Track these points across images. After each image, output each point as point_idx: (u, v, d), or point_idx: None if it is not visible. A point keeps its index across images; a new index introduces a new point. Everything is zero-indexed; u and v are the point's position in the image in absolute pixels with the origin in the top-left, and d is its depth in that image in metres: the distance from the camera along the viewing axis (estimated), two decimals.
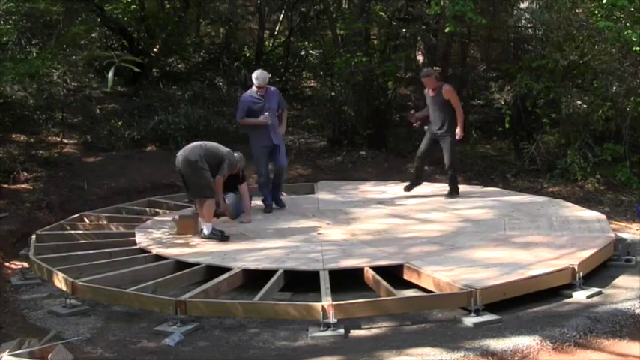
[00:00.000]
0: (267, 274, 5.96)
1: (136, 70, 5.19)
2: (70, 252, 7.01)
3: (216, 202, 7.45)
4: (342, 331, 5.14)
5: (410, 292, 5.86)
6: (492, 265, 5.96)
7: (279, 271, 5.98)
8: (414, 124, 9.11)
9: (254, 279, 6.06)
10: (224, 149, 7.56)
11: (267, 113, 8.04)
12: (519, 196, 8.88)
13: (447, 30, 9.83)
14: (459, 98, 9.07)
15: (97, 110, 12.18)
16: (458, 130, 8.61)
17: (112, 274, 6.22)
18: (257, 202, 8.45)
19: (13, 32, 9.79)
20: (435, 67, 9.38)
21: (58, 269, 6.19)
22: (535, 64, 10.36)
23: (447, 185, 9.06)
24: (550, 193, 9.60)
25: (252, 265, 6.26)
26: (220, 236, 7.17)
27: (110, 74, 4.10)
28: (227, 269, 6.13)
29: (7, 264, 7.35)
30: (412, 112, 9.24)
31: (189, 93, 12.77)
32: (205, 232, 7.19)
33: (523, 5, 12.09)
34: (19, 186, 9.61)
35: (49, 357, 4.62)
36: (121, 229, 7.87)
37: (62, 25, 10.69)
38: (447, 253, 6.44)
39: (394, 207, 8.45)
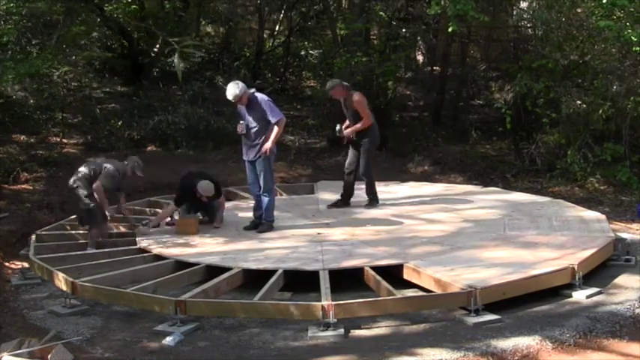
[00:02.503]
0: (267, 274, 5.96)
1: (200, 53, 5.01)
2: (70, 252, 7.00)
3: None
4: (342, 331, 5.13)
5: (410, 292, 5.86)
6: (492, 265, 5.96)
7: (279, 271, 5.98)
8: (343, 138, 8.36)
9: (254, 279, 6.06)
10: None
11: (242, 122, 7.46)
12: (519, 196, 8.88)
13: (449, 29, 9.82)
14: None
15: (97, 110, 12.18)
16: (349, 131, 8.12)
17: (112, 274, 6.21)
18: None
19: (14, 32, 9.79)
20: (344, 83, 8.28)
21: (58, 269, 6.19)
22: (535, 64, 10.36)
23: (448, 185, 9.04)
24: (550, 193, 9.60)
25: (252, 265, 6.26)
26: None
27: (176, 60, 4.04)
28: (227, 269, 6.12)
29: (7, 264, 7.35)
30: (338, 127, 8.36)
31: (190, 93, 12.78)
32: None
33: (523, 5, 12.10)
34: (19, 186, 9.61)
35: (48, 357, 4.62)
36: (121, 229, 7.87)
37: (62, 25, 10.69)
38: (447, 253, 6.44)
39: (394, 207, 8.44)
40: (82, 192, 7.26)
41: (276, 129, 7.36)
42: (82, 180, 7.32)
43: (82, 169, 7.44)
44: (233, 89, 7.31)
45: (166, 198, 9.07)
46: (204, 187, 7.51)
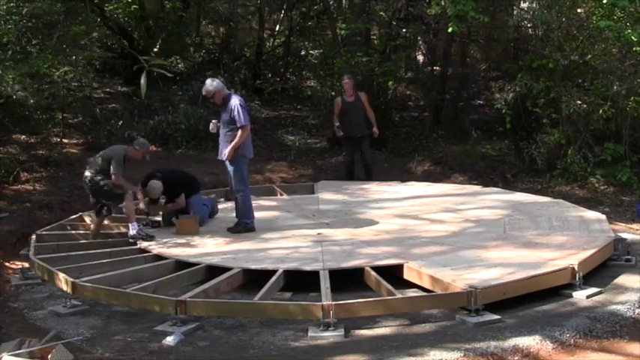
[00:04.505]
0: (267, 274, 5.96)
1: (169, 75, 5.09)
2: (70, 252, 7.00)
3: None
4: (342, 331, 5.13)
5: (410, 292, 5.86)
6: (492, 265, 5.96)
7: (279, 271, 5.98)
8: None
9: (254, 279, 6.06)
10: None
11: (214, 121, 7.64)
12: (520, 196, 8.88)
13: (449, 30, 9.83)
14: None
15: (97, 110, 12.18)
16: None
17: (112, 274, 6.21)
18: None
19: (14, 32, 9.79)
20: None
21: (58, 269, 6.18)
22: (535, 64, 10.36)
23: (448, 185, 9.02)
24: (550, 193, 9.60)
25: (252, 265, 6.26)
26: (145, 236, 7.24)
27: (142, 80, 4.02)
28: (227, 269, 6.12)
29: (7, 264, 7.35)
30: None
31: (190, 93, 12.78)
32: (131, 232, 7.26)
33: (523, 5, 12.10)
34: (19, 186, 9.61)
35: (48, 357, 4.61)
36: (122, 229, 7.86)
37: (62, 25, 10.70)
38: (447, 253, 6.44)
39: (395, 207, 8.45)
40: (97, 177, 7.35)
41: (238, 134, 7.36)
42: (94, 170, 7.40)
43: (94, 162, 7.49)
44: (207, 85, 7.45)
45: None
46: (150, 186, 7.62)
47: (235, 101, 7.42)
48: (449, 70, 13.48)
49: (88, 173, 7.46)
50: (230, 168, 7.49)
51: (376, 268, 5.99)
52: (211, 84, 7.45)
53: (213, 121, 7.64)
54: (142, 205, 7.70)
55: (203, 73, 13.91)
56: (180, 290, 5.92)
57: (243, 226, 7.51)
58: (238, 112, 7.35)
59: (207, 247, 6.99)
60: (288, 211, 8.45)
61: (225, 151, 7.44)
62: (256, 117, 12.64)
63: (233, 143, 7.37)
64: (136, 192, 7.63)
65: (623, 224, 8.14)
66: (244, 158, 7.56)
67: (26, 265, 6.97)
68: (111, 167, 7.33)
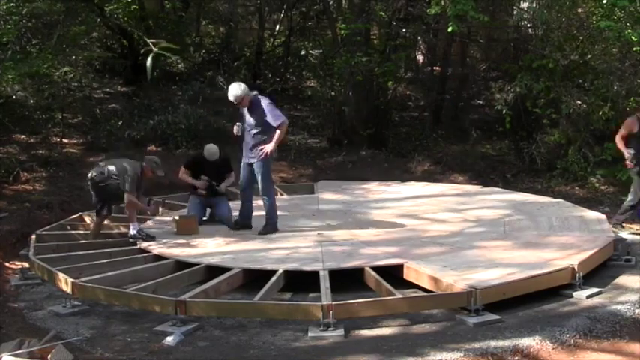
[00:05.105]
0: (267, 274, 5.96)
1: (174, 57, 5.04)
2: (70, 252, 7.00)
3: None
4: (342, 331, 5.13)
5: (410, 292, 5.85)
6: (492, 265, 5.96)
7: (279, 271, 5.98)
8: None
9: (254, 279, 6.06)
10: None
11: (238, 124, 7.44)
12: (519, 196, 8.88)
13: (449, 30, 9.84)
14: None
15: (97, 110, 12.18)
16: None
17: (112, 274, 6.21)
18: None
19: (14, 32, 9.80)
20: None
21: (58, 269, 6.18)
22: (535, 64, 10.37)
23: (448, 185, 9.00)
24: (550, 193, 9.61)
25: (252, 265, 6.26)
26: (145, 236, 7.24)
27: (148, 63, 3.99)
28: (227, 269, 6.12)
29: (7, 264, 7.35)
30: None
31: (190, 93, 12.78)
32: (132, 232, 7.26)
33: (523, 5, 12.11)
34: (19, 186, 9.61)
35: (48, 357, 4.62)
36: (122, 229, 7.86)
37: (62, 25, 10.70)
38: (447, 253, 6.44)
39: (395, 207, 8.45)
40: (102, 183, 7.32)
41: (277, 133, 7.31)
42: (101, 176, 7.34)
43: (103, 167, 7.42)
44: (235, 90, 7.27)
45: (167, 198, 9.07)
46: (208, 148, 7.91)
47: (265, 100, 7.37)
48: (449, 70, 13.50)
49: (91, 175, 7.38)
50: (259, 168, 7.39)
51: (376, 268, 5.99)
52: (239, 88, 7.27)
53: (237, 124, 7.46)
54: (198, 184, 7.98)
55: (203, 73, 13.95)
56: (180, 290, 5.91)
57: (272, 226, 7.48)
58: (272, 110, 7.29)
59: (207, 247, 6.99)
60: (288, 211, 8.45)
61: (263, 151, 7.31)
62: None
63: (275, 140, 7.29)
64: (147, 210, 7.76)
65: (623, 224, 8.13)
66: (272, 158, 7.58)
67: (26, 265, 6.97)
68: (121, 184, 7.24)
